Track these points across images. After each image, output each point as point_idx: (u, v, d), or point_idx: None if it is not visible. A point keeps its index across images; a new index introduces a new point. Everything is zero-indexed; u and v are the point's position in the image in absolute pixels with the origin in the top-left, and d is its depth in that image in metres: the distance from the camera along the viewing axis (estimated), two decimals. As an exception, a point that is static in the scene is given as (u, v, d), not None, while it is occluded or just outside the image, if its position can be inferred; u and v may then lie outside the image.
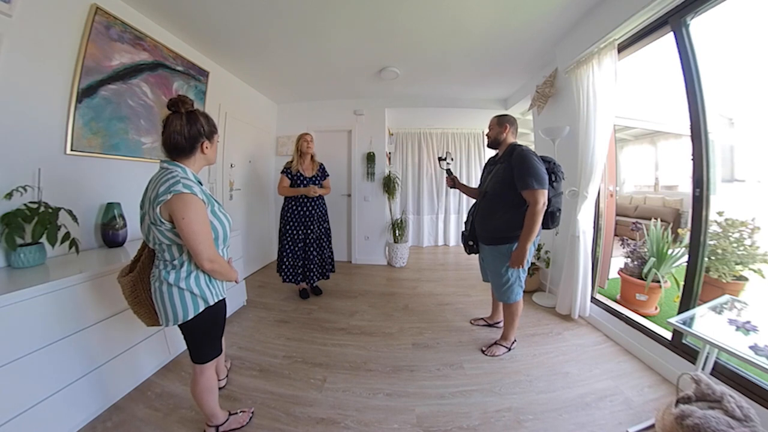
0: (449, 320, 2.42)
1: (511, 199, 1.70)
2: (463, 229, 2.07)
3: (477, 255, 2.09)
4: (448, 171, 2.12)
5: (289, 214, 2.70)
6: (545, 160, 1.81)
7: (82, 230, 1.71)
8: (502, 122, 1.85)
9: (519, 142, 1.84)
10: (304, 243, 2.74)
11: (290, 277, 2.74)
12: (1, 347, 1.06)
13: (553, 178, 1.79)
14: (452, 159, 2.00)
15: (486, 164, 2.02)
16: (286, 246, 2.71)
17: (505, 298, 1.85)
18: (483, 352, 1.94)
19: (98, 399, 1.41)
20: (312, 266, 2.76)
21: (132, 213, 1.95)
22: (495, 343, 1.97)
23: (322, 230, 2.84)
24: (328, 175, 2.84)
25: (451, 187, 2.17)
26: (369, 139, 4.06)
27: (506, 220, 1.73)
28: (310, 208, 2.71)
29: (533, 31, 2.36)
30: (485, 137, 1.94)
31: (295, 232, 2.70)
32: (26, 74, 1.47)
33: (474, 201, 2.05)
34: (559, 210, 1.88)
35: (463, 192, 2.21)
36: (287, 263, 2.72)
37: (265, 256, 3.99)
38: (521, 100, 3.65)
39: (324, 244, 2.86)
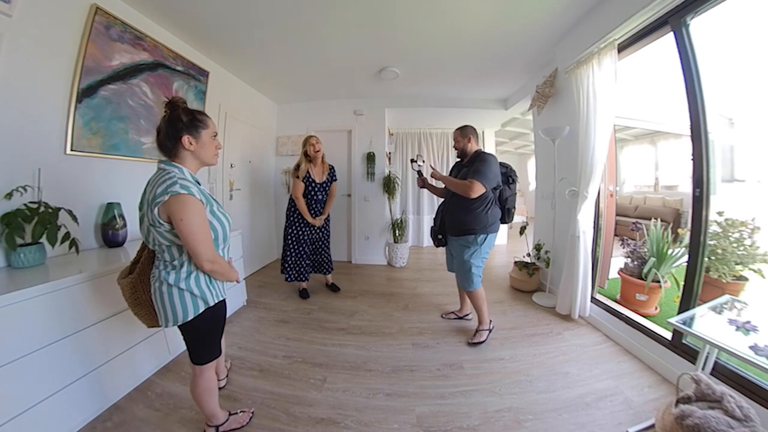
0: (450, 321, 2.41)
1: (488, 198, 1.95)
2: (432, 224, 2.26)
3: (450, 249, 2.23)
4: (419, 172, 2.24)
5: (295, 216, 2.72)
6: (503, 166, 2.10)
7: (82, 230, 1.71)
8: (465, 134, 2.06)
9: (482, 149, 2.10)
10: (312, 243, 2.79)
11: (293, 275, 2.77)
12: (1, 347, 1.06)
13: (510, 181, 2.11)
14: (423, 161, 2.26)
15: (453, 168, 2.23)
16: (291, 245, 2.73)
17: (467, 285, 2.04)
18: (470, 343, 2.04)
19: (98, 399, 1.41)
20: (318, 263, 2.88)
21: (132, 213, 1.94)
22: (477, 331, 2.10)
23: (326, 231, 2.89)
24: (336, 179, 2.83)
25: (420, 188, 2.30)
26: (369, 139, 4.06)
27: (472, 215, 1.96)
28: (316, 210, 2.72)
29: (533, 31, 2.36)
30: (454, 149, 2.15)
31: (300, 232, 2.73)
32: (26, 74, 1.48)
33: (443, 200, 2.26)
34: (514, 207, 2.19)
35: (432, 192, 2.35)
36: (290, 262, 2.75)
37: (265, 256, 3.99)
38: (521, 100, 3.65)
39: (326, 244, 2.91)
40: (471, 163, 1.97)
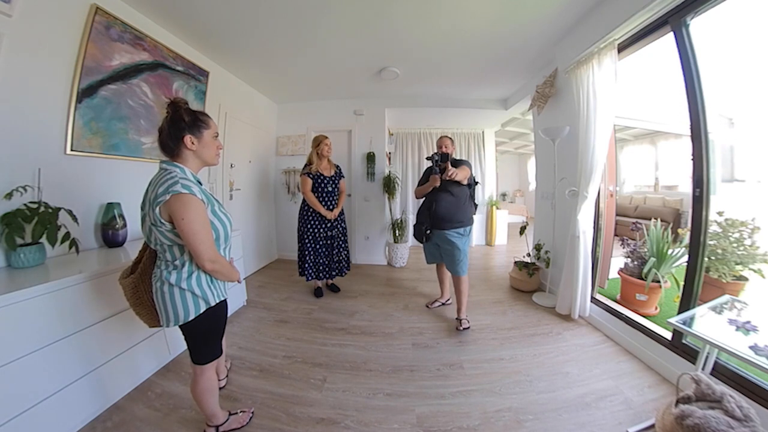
0: (449, 320, 2.42)
1: (467, 194, 2.26)
2: (418, 222, 2.41)
3: (438, 242, 2.37)
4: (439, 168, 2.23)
5: (310, 214, 2.73)
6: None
7: (82, 230, 1.71)
8: (453, 142, 2.41)
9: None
10: (328, 239, 2.80)
11: (314, 274, 2.79)
12: (1, 347, 1.06)
13: (475, 181, 2.39)
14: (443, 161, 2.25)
15: (426, 171, 2.44)
16: (308, 244, 2.75)
17: (460, 270, 2.25)
18: (463, 329, 2.22)
19: (98, 399, 1.41)
20: (335, 262, 2.86)
21: (132, 213, 1.95)
22: (461, 319, 2.29)
23: (342, 228, 2.91)
24: (343, 177, 2.86)
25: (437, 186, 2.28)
26: (369, 139, 4.06)
27: (462, 210, 2.25)
28: (328, 204, 2.74)
29: (533, 31, 2.36)
30: (448, 155, 2.26)
31: (317, 230, 2.74)
32: (26, 74, 1.47)
33: (423, 200, 2.43)
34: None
35: (424, 189, 2.39)
36: (310, 261, 2.76)
37: (265, 255, 3.99)
38: (521, 100, 3.65)
39: (343, 243, 2.92)
40: (453, 165, 2.23)
